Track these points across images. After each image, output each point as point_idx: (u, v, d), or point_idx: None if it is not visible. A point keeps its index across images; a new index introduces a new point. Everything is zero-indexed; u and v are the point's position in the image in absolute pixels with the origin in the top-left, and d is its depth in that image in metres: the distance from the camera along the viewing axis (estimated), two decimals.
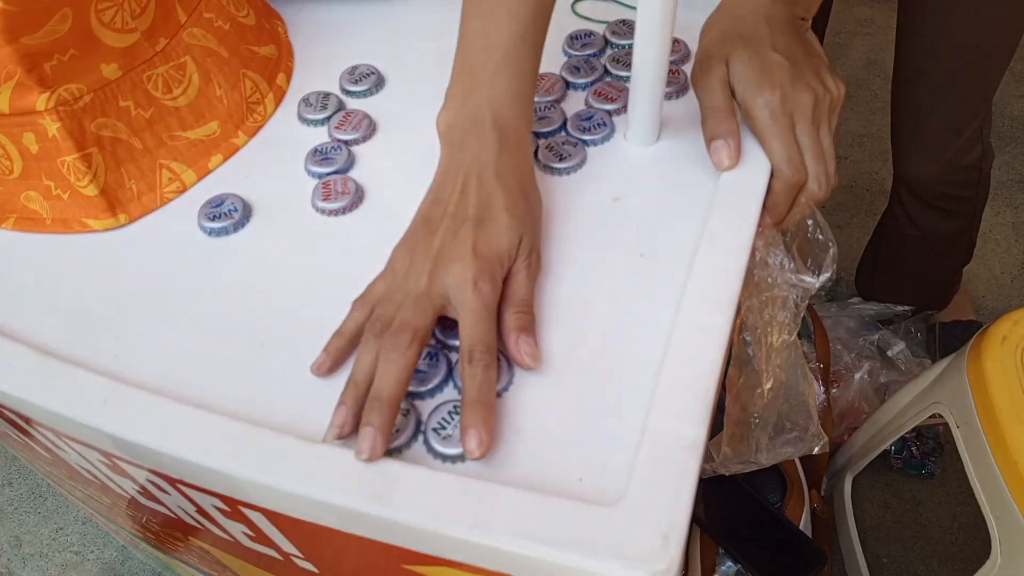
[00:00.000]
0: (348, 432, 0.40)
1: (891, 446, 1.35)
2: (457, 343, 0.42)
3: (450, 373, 0.43)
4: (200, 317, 0.47)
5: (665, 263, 0.46)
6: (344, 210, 0.52)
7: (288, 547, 0.49)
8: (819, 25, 1.06)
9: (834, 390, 1.28)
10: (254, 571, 0.63)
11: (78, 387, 0.43)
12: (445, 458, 0.40)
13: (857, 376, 1.28)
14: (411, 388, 0.41)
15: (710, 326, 0.42)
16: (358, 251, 0.50)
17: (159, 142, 0.54)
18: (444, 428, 0.40)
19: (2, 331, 0.47)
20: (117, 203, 0.53)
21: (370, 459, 0.38)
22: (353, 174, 0.54)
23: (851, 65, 1.96)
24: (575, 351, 0.43)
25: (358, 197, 0.52)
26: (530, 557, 0.36)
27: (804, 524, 1.21)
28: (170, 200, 0.54)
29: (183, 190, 0.55)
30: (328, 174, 0.54)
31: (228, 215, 0.51)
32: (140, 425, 0.41)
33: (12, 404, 0.46)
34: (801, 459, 1.23)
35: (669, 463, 0.37)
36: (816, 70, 0.50)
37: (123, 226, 0.53)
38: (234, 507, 0.46)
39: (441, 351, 0.43)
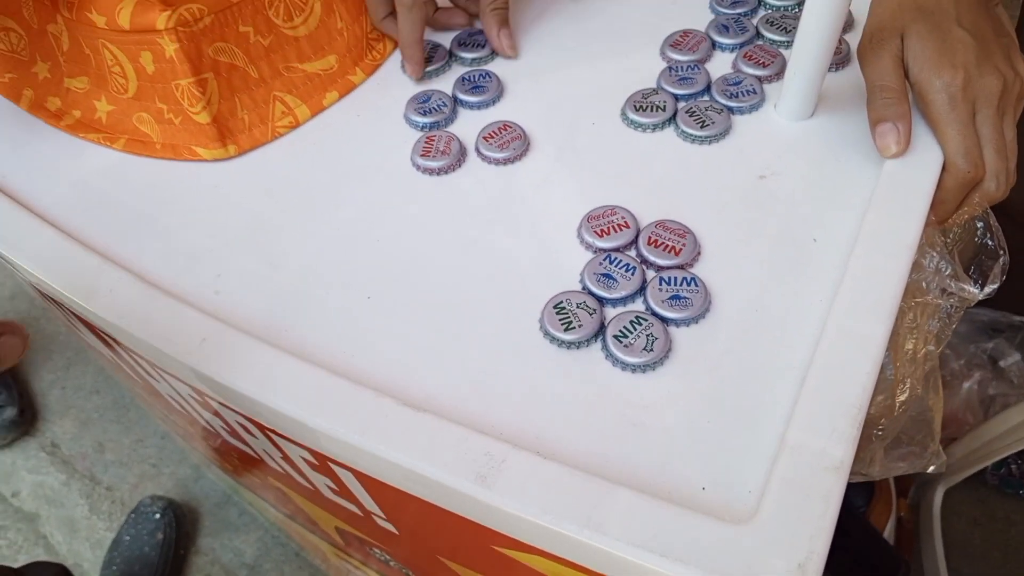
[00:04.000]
0: None
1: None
2: (658, 261, 0.42)
3: (642, 289, 0.41)
4: (305, 262, 0.45)
5: (815, 257, 0.42)
6: (444, 170, 0.48)
7: (371, 506, 0.47)
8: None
9: None
10: (329, 519, 0.62)
11: (178, 323, 0.41)
12: (622, 364, 0.39)
13: (965, 385, 1.20)
14: (601, 293, 0.41)
15: (865, 336, 0.37)
16: (467, 208, 0.46)
17: (275, 72, 0.52)
18: (626, 337, 0.39)
19: (104, 254, 0.45)
20: (228, 133, 0.51)
21: None
22: (454, 129, 0.51)
23: None
24: (707, 345, 0.39)
25: (460, 157, 0.49)
26: (643, 568, 0.32)
27: (888, 532, 1.16)
28: (281, 135, 0.52)
29: (296, 125, 0.52)
30: (432, 124, 0.50)
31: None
32: (238, 370, 0.39)
33: (109, 330, 0.44)
34: None
35: (810, 484, 0.33)
36: (1006, 51, 0.44)
37: (232, 158, 0.51)
38: (323, 462, 0.44)
39: (640, 265, 0.42)
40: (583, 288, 0.42)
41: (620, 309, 0.41)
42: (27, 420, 1.46)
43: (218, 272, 0.45)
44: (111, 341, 0.50)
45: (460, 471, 0.35)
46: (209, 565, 1.31)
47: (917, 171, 0.43)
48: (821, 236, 0.42)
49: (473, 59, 0.54)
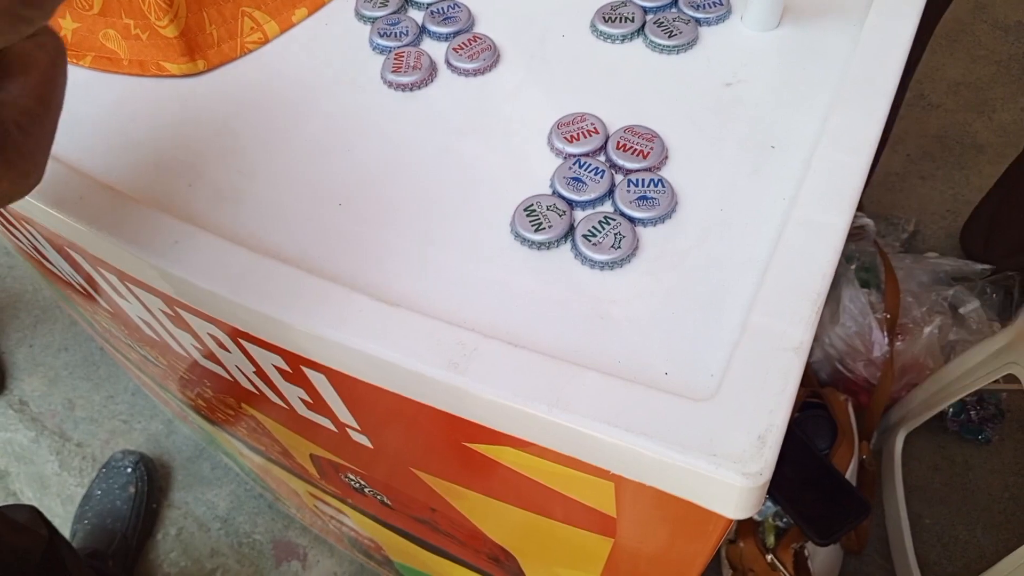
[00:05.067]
0: None
1: (949, 408, 1.30)
2: (626, 164, 0.43)
3: (611, 191, 0.42)
4: (276, 172, 0.45)
5: (779, 156, 0.43)
6: (415, 85, 0.48)
7: (345, 416, 0.48)
8: None
9: (899, 343, 1.23)
10: (304, 444, 0.63)
11: (149, 226, 0.41)
12: (591, 262, 0.40)
13: (926, 331, 1.23)
14: (570, 196, 0.42)
15: (827, 224, 0.38)
16: (439, 119, 0.46)
17: None
18: (595, 236, 0.40)
19: (77, 168, 0.45)
20: (196, 48, 0.50)
21: None
22: (424, 47, 0.51)
23: (956, 7, 1.84)
24: (673, 240, 0.40)
25: (431, 72, 0.49)
26: (609, 443, 0.33)
27: (851, 474, 1.19)
28: (250, 51, 0.51)
29: (264, 41, 0.52)
30: (398, 47, 0.50)
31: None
32: (211, 271, 0.39)
33: (80, 240, 0.44)
34: (855, 410, 1.20)
35: (770, 362, 0.34)
36: None
37: (201, 73, 0.51)
38: (296, 367, 0.44)
39: (609, 169, 0.43)
40: (553, 192, 0.42)
41: (589, 211, 0.42)
42: None
43: (188, 182, 0.45)
44: (83, 263, 0.50)
45: (433, 360, 0.36)
46: (182, 518, 1.31)
47: (878, 71, 0.44)
48: (784, 139, 0.43)
49: (429, 3, 0.53)
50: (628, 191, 0.41)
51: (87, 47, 0.52)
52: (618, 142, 0.43)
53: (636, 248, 0.40)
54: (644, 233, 0.41)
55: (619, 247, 0.39)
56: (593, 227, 0.40)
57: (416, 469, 0.52)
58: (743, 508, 0.33)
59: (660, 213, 0.41)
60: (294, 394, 0.49)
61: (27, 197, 0.43)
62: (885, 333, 1.22)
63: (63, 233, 0.45)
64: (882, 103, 0.42)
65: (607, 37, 0.49)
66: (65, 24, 0.52)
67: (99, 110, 0.49)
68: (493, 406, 0.35)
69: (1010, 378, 1.01)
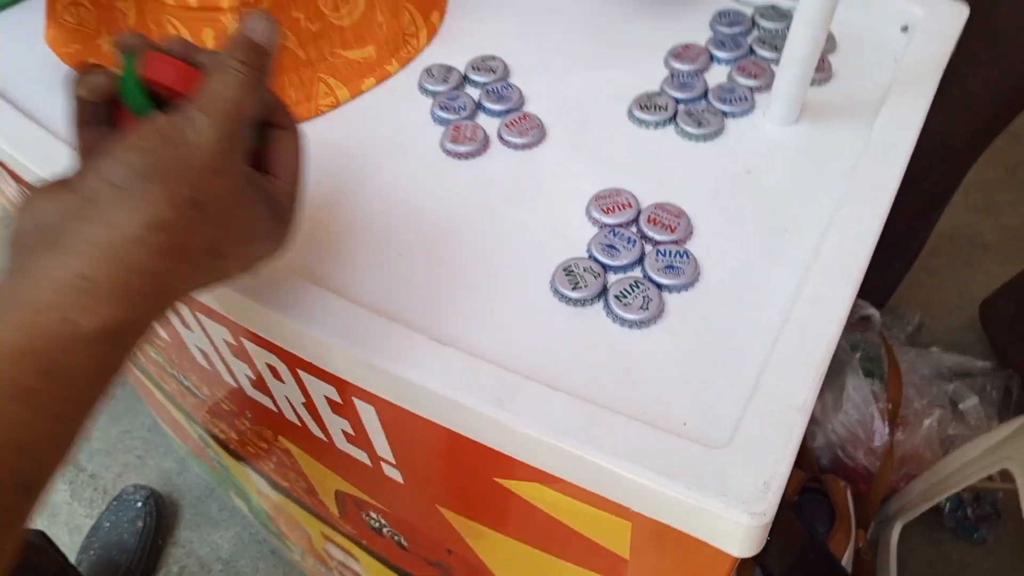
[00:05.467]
0: None
1: (946, 503, 1.32)
2: (655, 236, 0.48)
3: (641, 259, 0.47)
4: (343, 220, 0.50)
5: (792, 239, 0.48)
6: (470, 155, 0.54)
7: (383, 449, 0.52)
8: None
9: (899, 434, 1.26)
10: (332, 479, 0.66)
11: None
12: (621, 320, 0.44)
13: (926, 423, 1.26)
14: (605, 260, 0.47)
15: (832, 301, 0.43)
16: (490, 186, 0.52)
17: (321, 56, 0.57)
18: (625, 297, 0.45)
19: None
20: None
21: None
22: (479, 121, 0.57)
23: None
24: (695, 306, 0.45)
25: (484, 144, 0.54)
26: (631, 480, 0.37)
27: (847, 562, 1.20)
28: (323, 112, 0.57)
29: (336, 105, 0.58)
30: (456, 120, 0.56)
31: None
32: (285, 306, 0.44)
33: None
34: (854, 497, 1.22)
35: (777, 419, 0.39)
36: None
37: None
38: (347, 398, 0.48)
39: (640, 239, 0.48)
40: (589, 256, 0.47)
41: (621, 275, 0.47)
42: None
43: None
44: None
45: (480, 394, 0.40)
46: (185, 557, 1.33)
47: (883, 171, 0.49)
48: (797, 225, 0.48)
49: (485, 83, 0.59)
50: (657, 260, 0.46)
51: None
52: (649, 216, 0.48)
53: (662, 311, 0.45)
54: (669, 298, 0.45)
55: (647, 309, 0.44)
56: (624, 289, 0.45)
57: (441, 506, 0.55)
58: (747, 546, 0.37)
59: (684, 281, 0.45)
60: (337, 426, 0.53)
61: None
62: (886, 423, 1.26)
63: None
64: (886, 198, 0.47)
65: (642, 123, 0.55)
66: None
67: None
68: (530, 440, 0.39)
69: (1006, 476, 1.03)
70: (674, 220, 0.48)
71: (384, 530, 0.70)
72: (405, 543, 0.69)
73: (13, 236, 0.31)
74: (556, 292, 0.46)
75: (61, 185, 0.32)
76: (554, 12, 0.65)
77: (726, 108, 0.54)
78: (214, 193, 0.33)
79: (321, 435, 0.57)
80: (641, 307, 0.44)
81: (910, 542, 1.31)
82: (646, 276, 0.46)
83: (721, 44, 0.59)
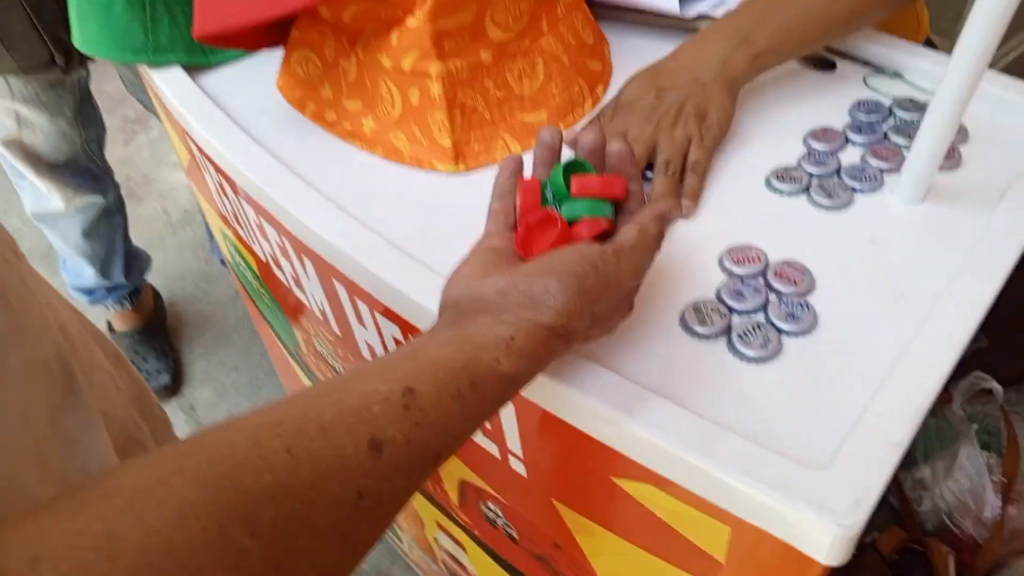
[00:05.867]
0: None
1: None
2: (780, 287, 0.55)
3: (765, 306, 0.54)
4: None
5: (905, 303, 0.53)
6: None
7: (514, 444, 0.60)
8: None
9: (1012, 509, 1.22)
10: (460, 469, 0.75)
11: (423, 280, 0.57)
12: (741, 355, 0.51)
13: None
14: (732, 303, 0.54)
15: (937, 360, 0.48)
16: None
17: (502, 118, 0.68)
18: (747, 336, 0.52)
19: (366, 224, 0.62)
20: (461, 156, 0.68)
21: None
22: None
23: None
24: (810, 350, 0.51)
25: None
26: (739, 489, 0.44)
27: None
28: (498, 163, 0.68)
29: None
30: None
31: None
32: None
33: (367, 283, 0.60)
34: (956, 566, 1.18)
35: (873, 452, 0.44)
36: None
37: (460, 173, 0.68)
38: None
39: (766, 289, 0.55)
40: (718, 298, 0.55)
41: (745, 318, 0.54)
42: (175, 388, 1.72)
43: (447, 251, 0.60)
44: (340, 293, 0.66)
45: (614, 403, 0.48)
46: None
47: (1000, 252, 0.54)
48: (912, 291, 0.54)
49: None
50: (779, 307, 0.53)
51: (379, 142, 0.71)
52: (776, 270, 0.55)
53: (779, 351, 0.51)
54: (787, 341, 0.52)
55: (766, 348, 0.51)
56: (747, 329, 0.52)
57: (557, 500, 0.63)
58: (835, 555, 0.42)
59: (803, 328, 0.52)
60: None
61: (326, 237, 0.60)
62: (999, 496, 1.22)
63: (336, 264, 0.62)
64: (999, 277, 0.52)
65: (777, 191, 0.62)
66: (366, 123, 0.71)
67: (385, 185, 0.67)
68: (652, 446, 0.47)
69: None
70: (798, 275, 0.55)
71: (498, 521, 0.78)
72: (516, 535, 0.77)
73: (447, 300, 0.45)
74: (684, 325, 0.53)
75: (495, 268, 0.45)
76: None
77: (856, 184, 0.61)
78: (608, 306, 0.46)
79: None
80: (761, 346, 0.51)
81: None
82: (768, 320, 0.53)
83: (858, 129, 0.65)
